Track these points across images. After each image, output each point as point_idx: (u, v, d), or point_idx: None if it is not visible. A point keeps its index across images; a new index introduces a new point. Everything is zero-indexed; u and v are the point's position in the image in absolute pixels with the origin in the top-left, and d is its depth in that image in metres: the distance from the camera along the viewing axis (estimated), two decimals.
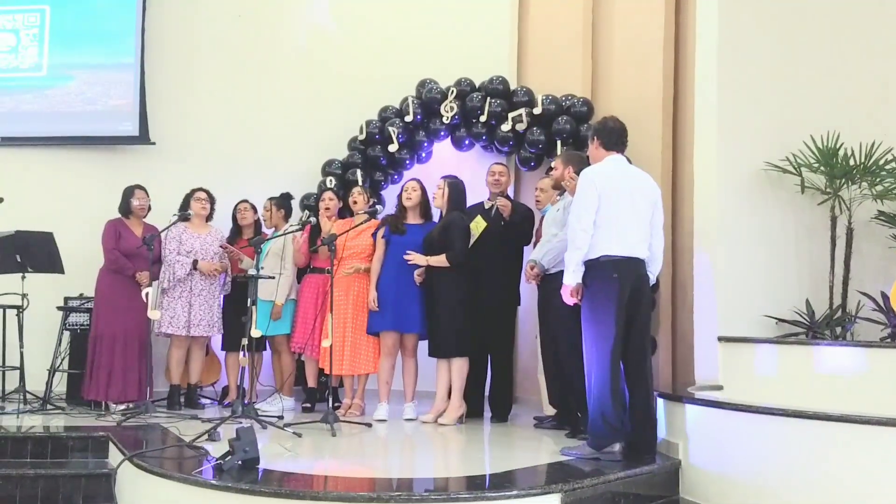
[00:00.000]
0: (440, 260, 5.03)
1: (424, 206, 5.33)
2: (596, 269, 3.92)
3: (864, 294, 4.52)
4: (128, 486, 3.75)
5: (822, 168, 4.62)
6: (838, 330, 4.50)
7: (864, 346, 4.00)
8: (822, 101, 4.73)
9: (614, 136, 4.08)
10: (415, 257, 5.08)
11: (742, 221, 4.58)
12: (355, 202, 5.58)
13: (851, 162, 4.57)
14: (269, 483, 3.21)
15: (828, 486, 3.38)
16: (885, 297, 4.39)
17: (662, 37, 5.52)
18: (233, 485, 3.14)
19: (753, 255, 4.60)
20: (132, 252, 5.51)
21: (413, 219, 5.31)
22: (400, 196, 5.37)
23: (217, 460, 3.42)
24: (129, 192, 5.72)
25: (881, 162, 4.55)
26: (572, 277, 3.94)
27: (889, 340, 4.28)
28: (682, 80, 5.51)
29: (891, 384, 3.74)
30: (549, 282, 4.63)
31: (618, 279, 3.88)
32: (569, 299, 4.00)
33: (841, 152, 4.57)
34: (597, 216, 3.90)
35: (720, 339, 4.36)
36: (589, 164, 4.18)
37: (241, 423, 4.25)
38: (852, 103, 4.73)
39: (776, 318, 4.58)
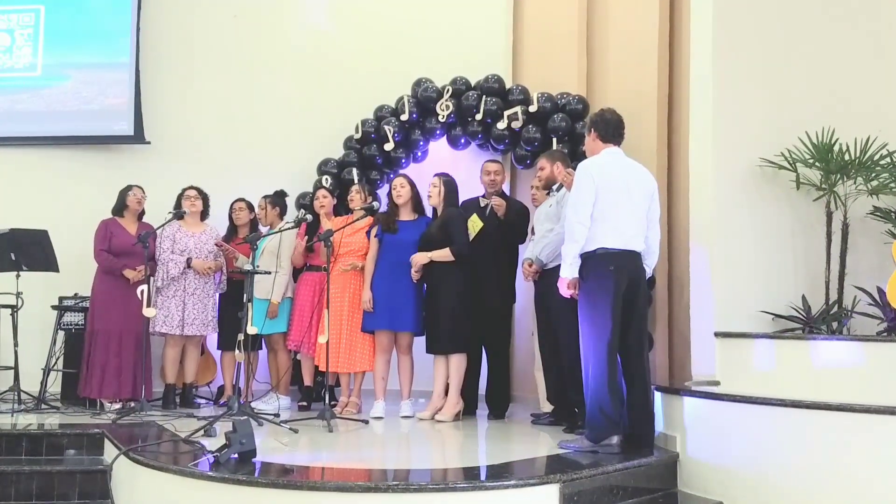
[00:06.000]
0: (443, 254, 5.02)
1: (416, 200, 5.32)
2: (593, 262, 3.92)
3: (860, 289, 4.52)
4: (123, 481, 3.72)
5: (817, 164, 4.63)
6: (834, 325, 4.50)
7: (860, 341, 3.99)
8: (817, 96, 4.74)
9: (611, 128, 4.09)
10: (417, 258, 5.06)
11: (738, 217, 4.58)
12: (352, 200, 5.58)
13: (847, 157, 4.57)
14: (267, 474, 3.20)
15: (826, 475, 3.39)
16: (881, 291, 4.39)
17: (657, 33, 5.52)
18: (230, 476, 3.12)
19: (749, 251, 4.60)
20: (126, 250, 5.49)
21: (405, 215, 5.31)
22: (390, 194, 5.36)
23: (213, 453, 3.40)
24: (125, 189, 5.74)
25: (876, 157, 4.56)
26: (569, 270, 3.95)
27: (885, 334, 4.29)
28: (677, 77, 5.52)
29: (887, 378, 3.74)
30: (548, 276, 4.63)
31: (614, 272, 3.88)
32: (566, 292, 4.00)
33: (836, 148, 4.58)
34: (594, 209, 3.90)
35: (717, 334, 4.35)
36: (576, 159, 4.19)
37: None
38: (847, 99, 4.75)
39: (772, 314, 4.58)
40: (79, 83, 6.80)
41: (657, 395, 4.28)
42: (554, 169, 4.74)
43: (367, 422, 4.88)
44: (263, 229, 5.91)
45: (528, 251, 5.02)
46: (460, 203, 5.36)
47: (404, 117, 6.21)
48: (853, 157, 4.57)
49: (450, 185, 5.24)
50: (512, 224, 5.42)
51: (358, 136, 6.37)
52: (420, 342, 5.25)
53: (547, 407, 5.12)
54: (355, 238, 5.43)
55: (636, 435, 3.95)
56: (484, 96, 6.00)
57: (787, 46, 4.77)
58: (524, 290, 5.51)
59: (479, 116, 6.00)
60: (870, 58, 4.82)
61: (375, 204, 5.32)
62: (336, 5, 7.01)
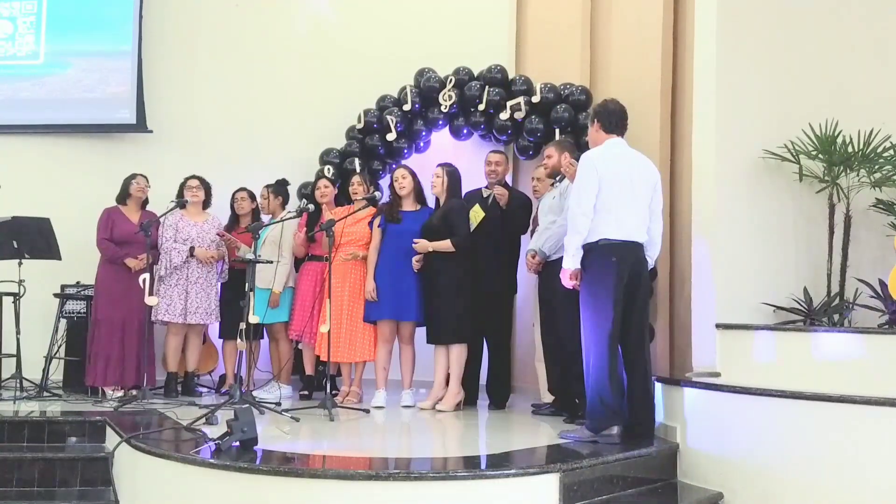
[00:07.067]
0: (445, 245, 5.02)
1: (418, 191, 5.32)
2: (595, 252, 3.92)
3: (862, 281, 4.52)
4: (125, 468, 3.74)
5: (820, 156, 4.61)
6: (836, 317, 4.50)
7: (861, 333, 3.99)
8: (820, 88, 4.73)
9: (615, 119, 4.08)
10: (421, 244, 5.07)
11: (740, 209, 4.57)
12: (355, 192, 5.57)
13: (850, 149, 4.56)
14: (268, 462, 3.21)
15: (825, 467, 3.40)
16: (882, 284, 4.39)
17: (661, 24, 5.50)
18: (231, 464, 3.13)
19: (751, 243, 4.59)
20: (128, 238, 5.50)
21: (408, 206, 5.30)
22: (392, 186, 5.36)
23: (215, 441, 3.41)
24: (129, 178, 5.74)
25: (879, 149, 4.54)
26: (572, 261, 3.95)
27: (887, 327, 4.29)
28: (680, 68, 5.50)
29: (888, 370, 3.74)
30: (550, 267, 4.64)
31: (616, 263, 3.88)
32: (568, 283, 4.00)
33: (839, 140, 4.56)
34: (596, 200, 3.90)
35: (718, 326, 4.35)
36: (580, 149, 4.18)
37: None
38: (851, 91, 4.73)
39: (774, 306, 4.58)
40: (81, 71, 6.79)
41: (658, 386, 4.29)
42: (562, 158, 4.72)
43: (368, 411, 4.90)
44: (265, 219, 5.91)
45: (532, 242, 5.02)
46: (463, 194, 5.35)
47: (407, 107, 6.20)
48: (856, 150, 4.55)
49: (453, 175, 5.24)
50: (513, 214, 5.42)
51: (360, 125, 6.36)
52: (421, 332, 5.26)
53: (548, 397, 5.13)
54: (357, 228, 5.43)
55: (636, 425, 3.96)
56: (487, 86, 5.99)
57: (790, 38, 4.75)
58: (525, 280, 5.52)
59: (481, 107, 6.00)
60: (873, 49, 4.80)
61: (377, 194, 5.33)
62: None
